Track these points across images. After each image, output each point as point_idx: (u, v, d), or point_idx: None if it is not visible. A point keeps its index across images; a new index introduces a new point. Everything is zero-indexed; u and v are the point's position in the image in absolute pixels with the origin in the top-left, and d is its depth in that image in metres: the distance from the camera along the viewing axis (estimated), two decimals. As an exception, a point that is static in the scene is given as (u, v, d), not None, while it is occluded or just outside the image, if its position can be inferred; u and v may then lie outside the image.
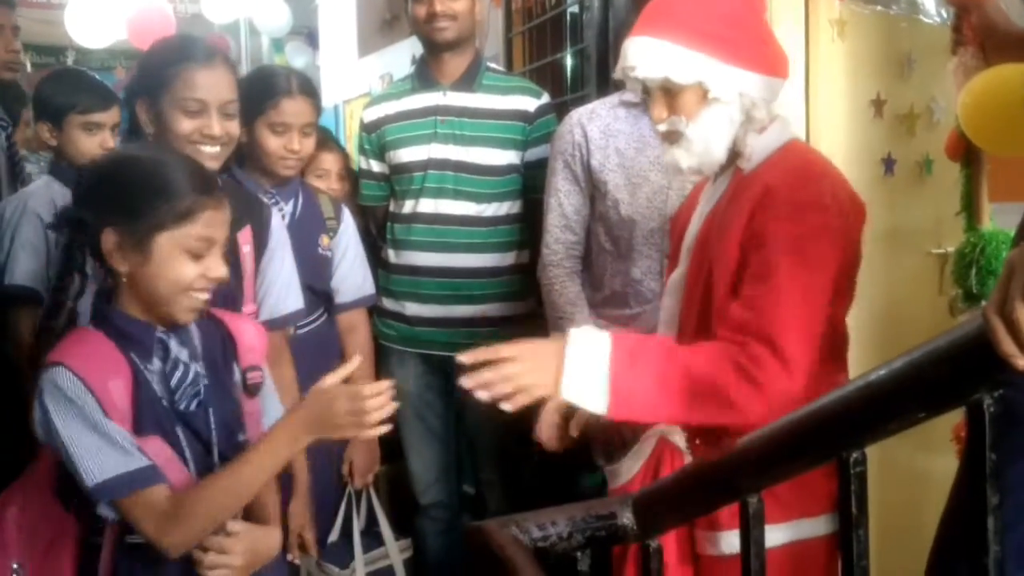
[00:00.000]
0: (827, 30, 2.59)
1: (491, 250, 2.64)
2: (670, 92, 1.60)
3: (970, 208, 2.33)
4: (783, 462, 1.13)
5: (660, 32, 1.58)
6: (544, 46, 3.47)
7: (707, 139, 1.59)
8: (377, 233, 2.82)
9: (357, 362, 1.57)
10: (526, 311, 2.69)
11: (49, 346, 1.53)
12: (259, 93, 2.30)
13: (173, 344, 1.54)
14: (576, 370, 1.48)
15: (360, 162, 2.81)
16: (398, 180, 2.71)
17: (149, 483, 1.44)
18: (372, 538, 2.56)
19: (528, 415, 2.68)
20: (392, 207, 2.74)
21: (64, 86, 2.75)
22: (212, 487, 1.47)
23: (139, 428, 1.47)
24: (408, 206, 2.67)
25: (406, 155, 2.67)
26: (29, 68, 3.22)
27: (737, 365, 1.46)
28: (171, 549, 1.46)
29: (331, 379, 1.51)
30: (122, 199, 1.49)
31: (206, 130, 1.86)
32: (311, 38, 6.88)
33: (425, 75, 2.71)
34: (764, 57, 1.61)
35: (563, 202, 2.44)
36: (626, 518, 1.37)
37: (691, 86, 1.57)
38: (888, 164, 2.73)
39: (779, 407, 1.30)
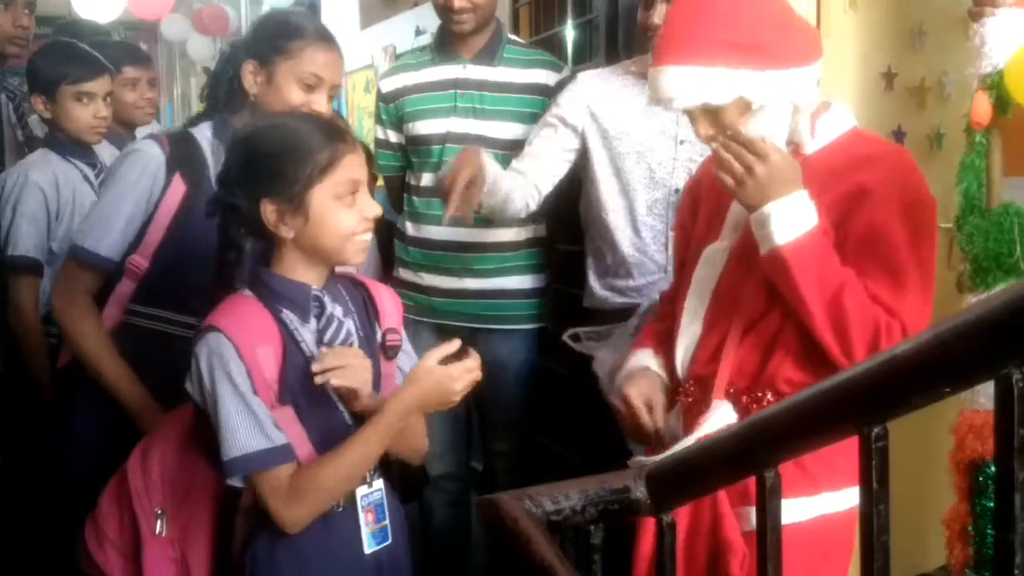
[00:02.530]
0: (839, 1, 2.56)
1: (508, 224, 2.62)
2: (711, 110, 1.56)
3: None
4: (803, 436, 1.12)
5: (684, 57, 1.54)
6: (551, 16, 3.44)
7: None
8: (392, 204, 2.80)
9: (456, 344, 1.60)
10: (543, 284, 2.69)
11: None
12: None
13: (327, 301, 1.60)
14: (789, 204, 1.53)
15: (376, 132, 2.78)
16: (416, 152, 2.68)
17: (279, 463, 1.50)
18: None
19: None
20: (409, 179, 2.72)
21: (55, 58, 2.73)
22: (328, 468, 1.52)
23: (282, 395, 1.53)
24: (426, 179, 2.65)
25: (425, 127, 2.64)
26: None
27: (877, 330, 1.50)
28: (291, 526, 1.52)
29: (435, 357, 1.56)
30: (272, 170, 1.53)
31: (314, 105, 1.98)
32: (312, 9, 6.82)
33: (445, 47, 2.67)
34: (796, 49, 1.57)
35: (539, 134, 2.46)
36: (640, 492, 1.36)
37: (732, 103, 1.54)
38: (898, 137, 2.70)
39: None
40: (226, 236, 1.60)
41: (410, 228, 2.70)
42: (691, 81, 1.53)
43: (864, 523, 1.03)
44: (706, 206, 1.79)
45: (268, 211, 1.53)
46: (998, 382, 0.86)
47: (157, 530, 1.61)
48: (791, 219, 1.52)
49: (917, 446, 2.48)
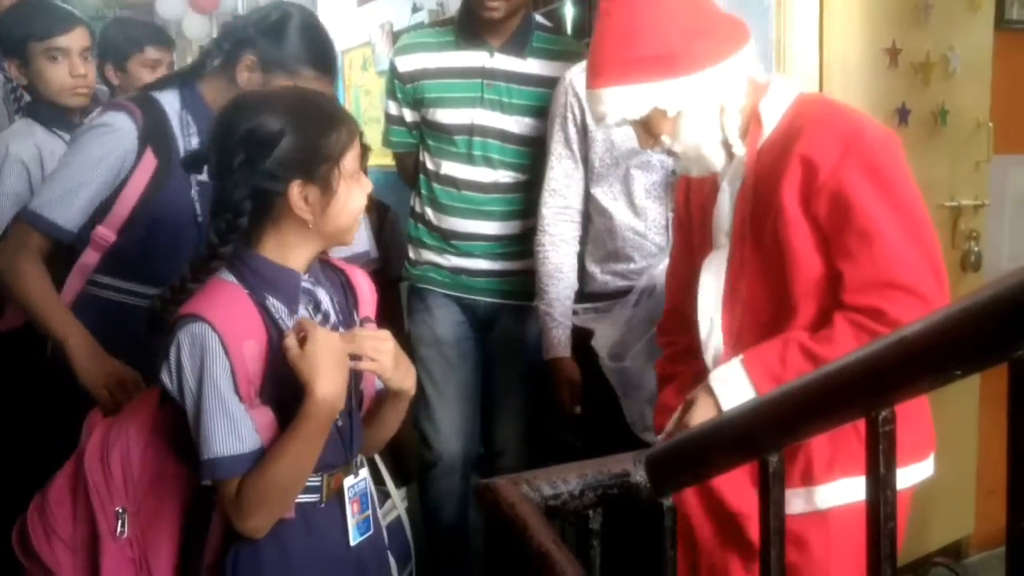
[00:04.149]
0: (843, -25, 2.52)
1: (534, 214, 2.55)
2: (643, 122, 1.62)
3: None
4: (808, 420, 1.08)
5: (600, 80, 1.61)
6: (550, -8, 3.39)
7: (696, 147, 1.63)
8: (406, 182, 2.75)
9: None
10: None
11: (180, 304, 1.49)
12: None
13: (319, 292, 1.53)
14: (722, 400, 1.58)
15: (389, 107, 2.70)
16: (436, 137, 2.61)
17: (240, 471, 1.42)
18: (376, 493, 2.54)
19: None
20: (427, 162, 2.65)
21: (19, 15, 2.53)
22: (269, 475, 1.42)
23: (264, 393, 1.45)
24: (449, 168, 2.59)
25: (448, 116, 2.57)
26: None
27: (875, 336, 1.45)
28: (251, 533, 1.45)
29: (292, 340, 1.44)
30: (301, 147, 1.43)
31: None
32: (309, -14, 6.76)
33: (470, 31, 2.57)
34: (710, 48, 1.59)
35: (554, 166, 2.44)
36: (639, 476, 1.33)
37: (651, 113, 1.59)
38: (902, 114, 2.67)
39: None
40: (230, 226, 1.47)
41: (431, 215, 2.65)
42: (612, 100, 1.61)
43: (871, 509, 1.00)
44: (696, 213, 1.81)
45: (296, 195, 1.43)
46: (1012, 365, 0.82)
47: (118, 531, 1.52)
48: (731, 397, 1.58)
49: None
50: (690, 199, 1.84)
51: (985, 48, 2.88)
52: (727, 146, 1.64)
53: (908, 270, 1.49)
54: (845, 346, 1.48)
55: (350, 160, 1.48)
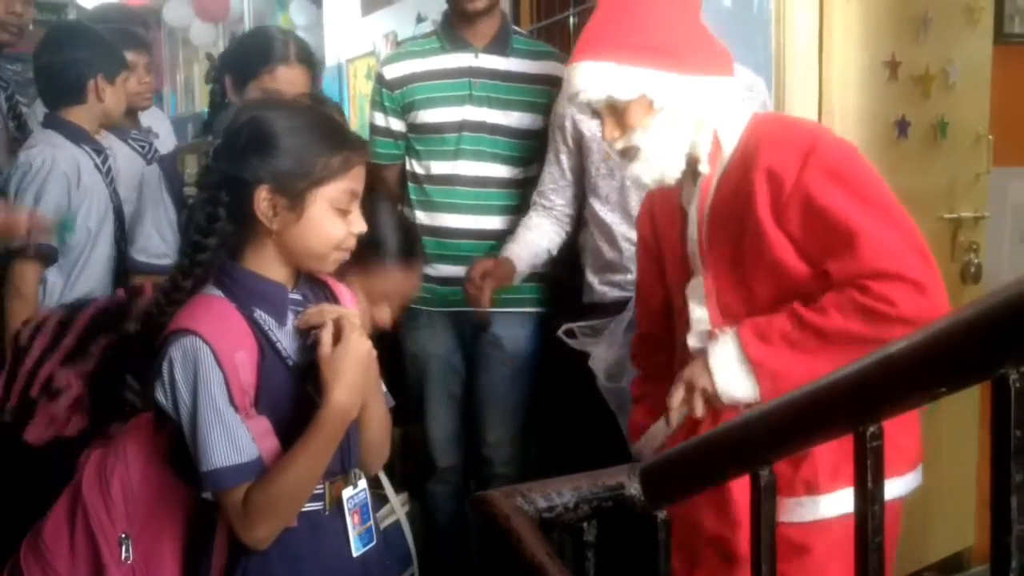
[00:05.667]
0: (842, -12, 2.53)
1: (525, 212, 2.59)
2: (617, 110, 1.60)
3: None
4: (798, 434, 1.10)
5: (597, 54, 1.59)
6: (552, 3, 3.41)
7: (661, 149, 1.61)
8: (387, 193, 2.77)
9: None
10: (548, 268, 2.66)
11: (176, 307, 1.49)
12: (254, 56, 2.24)
13: (308, 306, 1.52)
14: (722, 370, 1.60)
15: (375, 119, 2.72)
16: (424, 140, 2.65)
17: (243, 481, 1.41)
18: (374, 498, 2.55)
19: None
20: (416, 168, 2.68)
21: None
22: (277, 483, 1.42)
23: (259, 403, 1.45)
24: (441, 167, 2.63)
25: (437, 116, 2.62)
26: (31, 26, 3.08)
27: (865, 309, 1.48)
28: (254, 544, 1.44)
29: (327, 345, 1.45)
30: (282, 157, 1.43)
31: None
32: (315, -4, 6.79)
33: (454, 35, 2.65)
34: (704, 60, 1.61)
35: (545, 171, 2.52)
36: (634, 489, 1.35)
37: (635, 100, 1.58)
38: (902, 127, 2.67)
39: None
40: (210, 217, 1.46)
41: (422, 217, 2.66)
42: (599, 76, 1.58)
43: (859, 524, 1.01)
44: (665, 241, 1.82)
45: (261, 199, 1.43)
46: (994, 383, 0.83)
47: (122, 556, 1.50)
48: (736, 381, 1.59)
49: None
50: (656, 227, 1.85)
51: (984, 61, 2.89)
52: (692, 162, 1.64)
53: (893, 258, 1.49)
54: (835, 315, 1.50)
55: (339, 191, 1.47)
